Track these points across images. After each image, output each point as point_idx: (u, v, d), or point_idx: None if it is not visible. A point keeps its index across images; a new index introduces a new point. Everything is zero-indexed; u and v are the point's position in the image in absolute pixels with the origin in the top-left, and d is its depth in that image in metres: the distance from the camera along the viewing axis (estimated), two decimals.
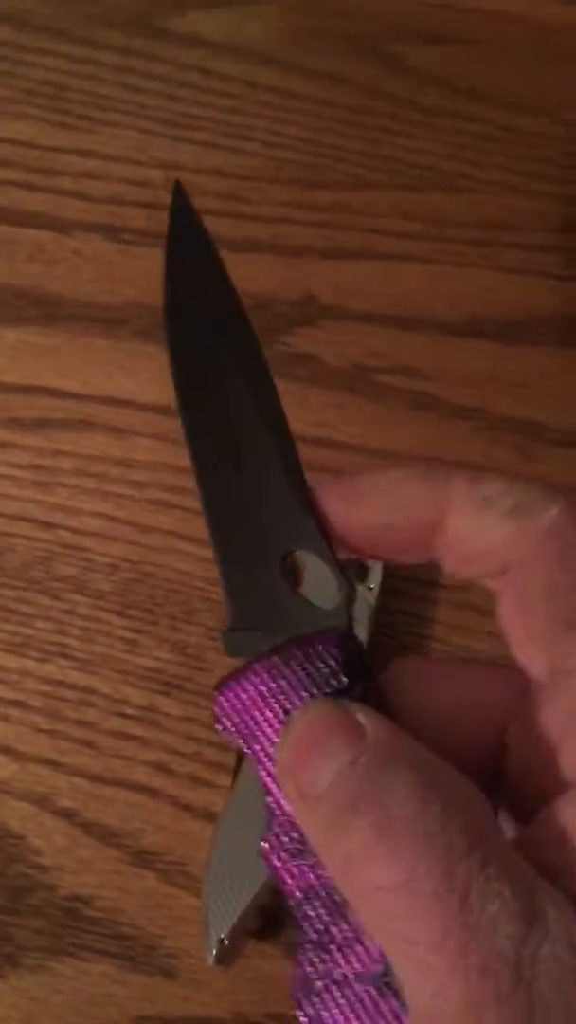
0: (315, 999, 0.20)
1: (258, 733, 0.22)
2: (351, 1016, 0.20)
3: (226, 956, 0.31)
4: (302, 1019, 0.20)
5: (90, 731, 0.35)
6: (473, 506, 0.23)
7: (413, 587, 0.37)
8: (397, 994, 0.19)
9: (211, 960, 0.31)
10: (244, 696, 0.22)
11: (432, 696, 0.23)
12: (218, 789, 0.34)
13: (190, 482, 0.38)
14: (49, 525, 0.38)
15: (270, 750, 0.21)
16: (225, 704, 0.22)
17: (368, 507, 0.23)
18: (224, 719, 0.22)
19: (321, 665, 0.21)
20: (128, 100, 0.46)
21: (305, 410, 0.41)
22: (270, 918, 0.32)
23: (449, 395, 0.41)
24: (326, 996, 0.20)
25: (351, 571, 0.35)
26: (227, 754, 0.34)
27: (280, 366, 0.41)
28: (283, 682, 0.21)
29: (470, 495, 0.23)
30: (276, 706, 0.21)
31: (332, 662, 0.21)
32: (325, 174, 0.45)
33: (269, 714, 0.21)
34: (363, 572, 0.35)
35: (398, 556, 0.23)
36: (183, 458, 0.39)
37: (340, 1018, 0.20)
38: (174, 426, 0.40)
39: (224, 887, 0.31)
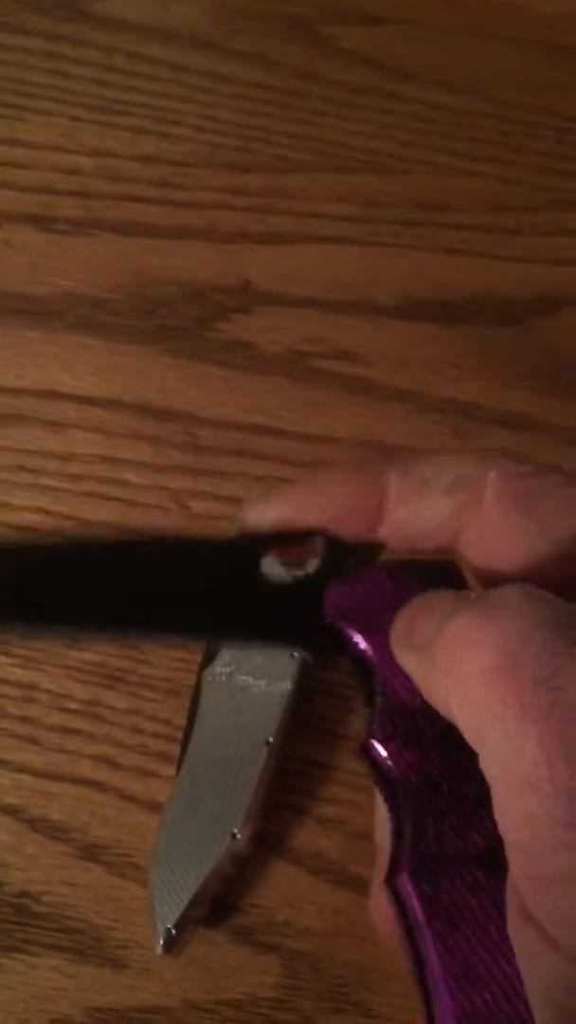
0: (432, 879, 0.22)
1: (375, 622, 0.23)
2: (466, 893, 0.21)
3: (174, 945, 0.31)
4: (413, 897, 0.22)
5: (33, 727, 0.35)
6: (412, 491, 0.25)
7: None
8: (504, 871, 0.20)
9: (159, 950, 0.31)
10: (361, 591, 0.24)
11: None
12: (164, 780, 0.34)
13: (129, 475, 0.38)
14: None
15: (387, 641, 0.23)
16: (343, 595, 0.24)
17: (312, 512, 0.26)
18: (342, 611, 0.24)
19: (432, 577, 0.24)
20: (56, 86, 0.46)
21: (242, 396, 0.40)
22: (217, 906, 0.33)
23: (386, 378, 0.41)
24: (442, 876, 0.22)
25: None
26: (172, 744, 0.35)
27: (216, 353, 0.41)
28: (401, 584, 0.24)
29: (408, 481, 0.25)
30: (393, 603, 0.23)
31: (444, 575, 0.24)
32: (258, 158, 0.45)
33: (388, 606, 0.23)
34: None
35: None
36: (121, 450, 0.39)
37: (456, 895, 0.21)
38: (111, 419, 0.40)
39: (170, 876, 0.31)
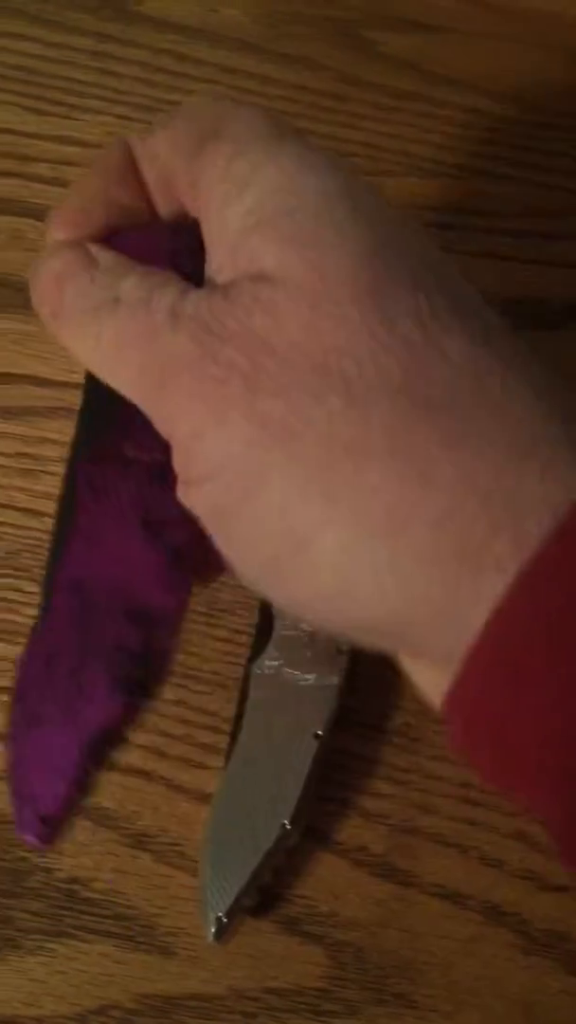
0: (100, 467, 0.26)
1: None
2: (119, 482, 0.26)
3: (224, 933, 0.32)
4: (81, 477, 0.26)
5: None
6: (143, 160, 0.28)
7: None
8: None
9: (210, 938, 0.32)
10: (139, 246, 0.27)
11: None
12: (211, 771, 0.35)
13: None
14: (36, 513, 0.39)
15: None
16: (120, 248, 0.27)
17: (95, 223, 0.28)
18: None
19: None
20: (104, 85, 0.46)
21: None
22: (265, 896, 0.33)
23: None
24: (108, 467, 0.26)
25: None
26: (219, 736, 0.35)
27: None
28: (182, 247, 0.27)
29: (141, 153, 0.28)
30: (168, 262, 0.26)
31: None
32: None
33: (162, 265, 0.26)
34: None
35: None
36: None
37: (110, 482, 0.26)
38: None
39: (221, 866, 0.32)
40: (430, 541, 0.21)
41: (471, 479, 0.21)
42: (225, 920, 0.32)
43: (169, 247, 0.27)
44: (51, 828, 0.25)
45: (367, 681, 0.36)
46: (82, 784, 0.25)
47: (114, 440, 0.26)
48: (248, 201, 0.24)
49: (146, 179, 0.28)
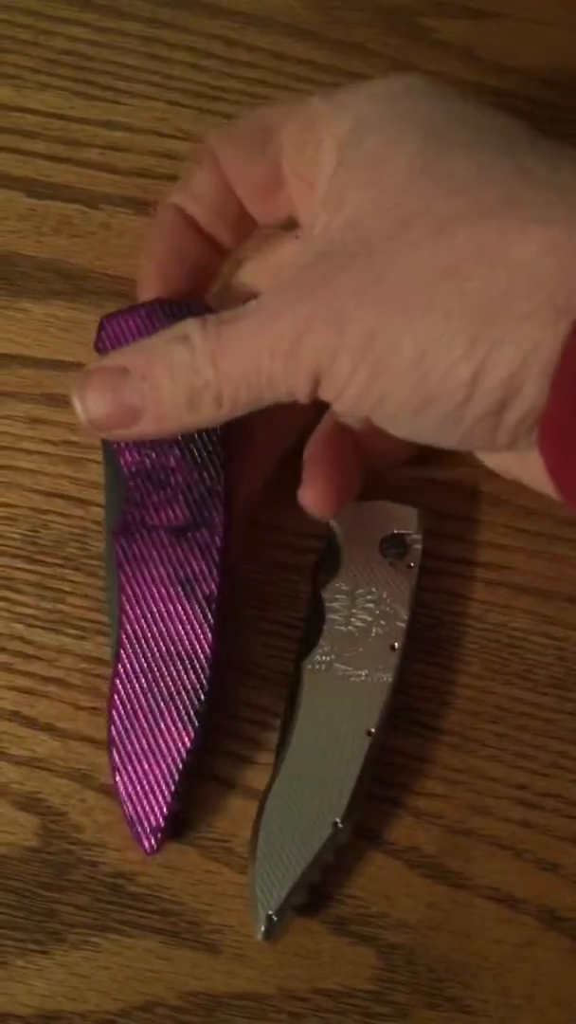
0: (128, 536, 0.32)
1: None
2: (151, 548, 0.32)
3: (274, 932, 0.31)
4: (118, 549, 0.32)
5: None
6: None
7: (450, 566, 0.37)
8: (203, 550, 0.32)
9: (259, 936, 0.31)
10: (126, 327, 0.33)
11: None
12: (259, 767, 0.34)
13: None
14: (83, 502, 0.38)
15: None
16: (109, 330, 0.34)
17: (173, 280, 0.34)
18: (105, 341, 0.34)
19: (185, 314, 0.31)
20: (153, 70, 0.46)
21: None
22: (316, 895, 0.32)
23: None
24: (137, 534, 0.32)
25: (390, 551, 0.35)
26: (267, 732, 0.34)
27: None
28: (158, 324, 0.33)
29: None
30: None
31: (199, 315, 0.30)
32: None
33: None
34: (402, 550, 0.35)
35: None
36: None
37: (144, 548, 0.32)
38: None
39: (272, 864, 0.31)
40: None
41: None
42: (275, 919, 0.31)
43: (150, 324, 0.33)
44: (159, 838, 0.31)
45: (419, 679, 0.36)
46: (175, 801, 0.31)
47: (134, 511, 0.32)
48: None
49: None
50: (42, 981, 0.32)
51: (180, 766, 0.31)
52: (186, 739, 0.31)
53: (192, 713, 0.31)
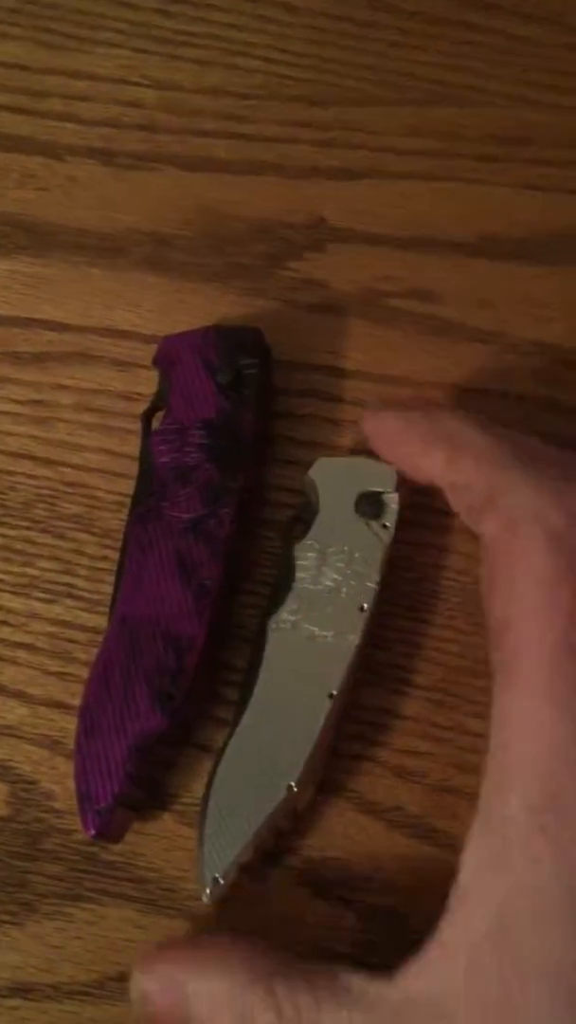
0: (143, 522, 0.33)
1: (178, 366, 0.35)
2: (160, 536, 0.33)
3: (220, 894, 0.30)
4: (131, 535, 0.33)
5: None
6: (447, 491, 0.31)
7: (432, 517, 0.36)
8: (207, 537, 0.33)
9: (205, 899, 0.30)
10: (181, 344, 0.36)
11: None
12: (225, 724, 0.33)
13: None
14: (51, 462, 0.37)
15: (183, 376, 0.35)
16: (165, 347, 0.36)
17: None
18: (160, 356, 0.36)
19: (238, 336, 0.36)
20: (119, 17, 0.44)
21: (315, 337, 0.39)
22: (268, 859, 0.31)
23: (465, 319, 0.39)
24: (149, 522, 0.33)
25: (365, 509, 0.33)
26: (231, 689, 0.33)
27: (287, 292, 0.39)
28: (210, 343, 0.35)
29: (443, 480, 0.31)
30: (198, 355, 0.35)
31: (250, 339, 0.36)
32: (330, 91, 0.43)
33: (191, 357, 0.35)
34: (378, 508, 0.33)
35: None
36: None
37: (153, 536, 0.33)
38: None
39: (222, 826, 0.30)
40: None
41: None
42: (221, 881, 0.29)
43: (201, 345, 0.35)
44: (105, 820, 0.30)
45: (402, 635, 0.34)
46: (130, 785, 0.30)
47: (155, 503, 0.33)
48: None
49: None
50: (14, 953, 0.31)
51: (141, 749, 0.30)
52: (153, 723, 0.30)
53: (164, 697, 0.30)
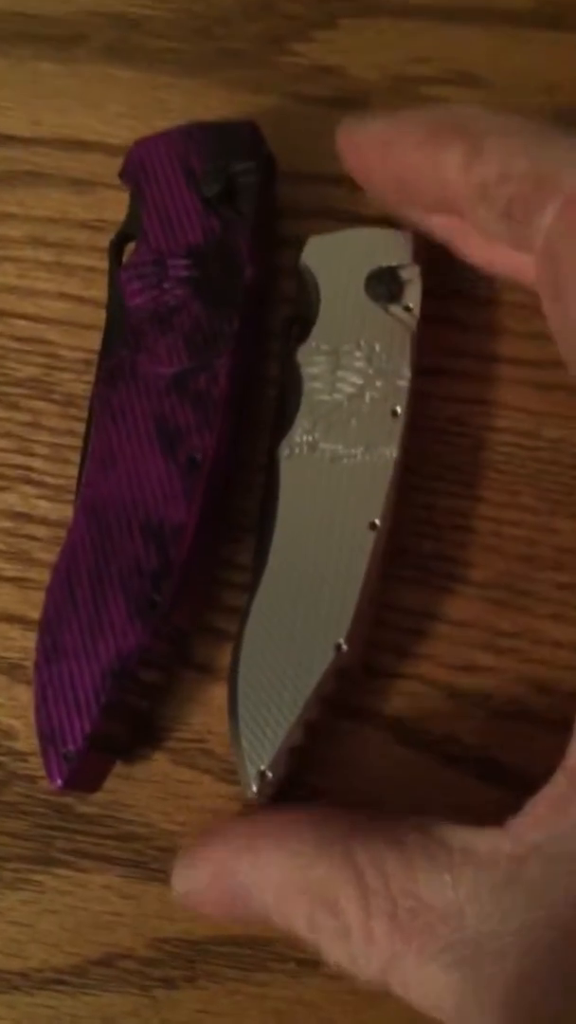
0: (112, 383, 0.26)
1: (152, 179, 0.28)
2: (133, 398, 0.26)
3: (267, 789, 0.24)
4: (95, 399, 0.26)
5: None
6: (471, 199, 0.23)
7: (478, 365, 0.28)
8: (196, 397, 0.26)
9: (250, 794, 0.24)
10: (155, 150, 0.28)
11: None
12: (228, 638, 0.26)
13: None
14: None
15: (159, 191, 0.28)
16: (136, 155, 0.28)
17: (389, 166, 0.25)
18: (129, 167, 0.28)
19: (228, 135, 0.28)
20: None
21: (330, 140, 0.30)
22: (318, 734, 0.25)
23: (523, 109, 0.31)
24: (119, 381, 0.26)
25: (379, 290, 0.26)
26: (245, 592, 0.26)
27: (293, 84, 0.31)
28: (193, 145, 0.28)
29: (465, 183, 0.23)
30: (177, 161, 0.28)
31: (244, 138, 0.28)
32: None
33: (168, 164, 0.28)
34: (395, 287, 0.26)
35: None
36: None
37: (124, 399, 0.26)
38: None
39: (259, 706, 0.24)
40: None
41: None
42: (269, 774, 0.23)
43: (181, 148, 0.28)
44: (75, 766, 0.23)
45: (449, 518, 0.27)
46: (104, 720, 0.24)
47: (129, 356, 0.26)
48: None
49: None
50: None
51: (118, 674, 0.24)
52: (132, 639, 0.24)
53: (146, 605, 0.24)
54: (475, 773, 0.25)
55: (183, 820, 0.25)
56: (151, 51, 0.32)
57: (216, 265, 0.27)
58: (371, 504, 0.25)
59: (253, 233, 0.27)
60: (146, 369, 0.26)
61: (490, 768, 0.25)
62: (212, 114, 0.31)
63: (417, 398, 0.26)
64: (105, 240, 0.29)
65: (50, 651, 0.24)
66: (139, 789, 0.26)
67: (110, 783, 0.25)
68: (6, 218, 0.30)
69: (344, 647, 0.24)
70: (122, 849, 0.25)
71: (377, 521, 0.25)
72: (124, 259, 0.28)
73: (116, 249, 0.28)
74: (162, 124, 0.30)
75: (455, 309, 0.29)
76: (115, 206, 0.30)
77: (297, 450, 0.25)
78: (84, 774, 0.24)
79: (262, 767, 0.23)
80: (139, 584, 0.24)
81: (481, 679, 0.26)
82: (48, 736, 0.23)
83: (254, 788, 0.23)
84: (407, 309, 0.26)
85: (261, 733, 0.24)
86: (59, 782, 0.23)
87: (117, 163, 0.29)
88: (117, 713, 0.24)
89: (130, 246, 0.28)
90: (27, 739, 0.26)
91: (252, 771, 0.23)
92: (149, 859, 0.25)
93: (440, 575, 0.27)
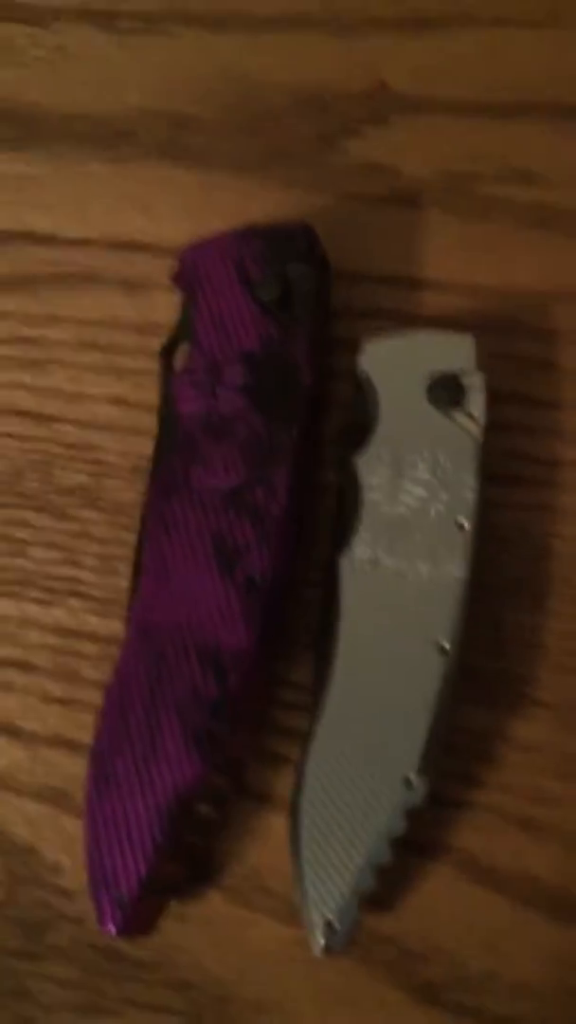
0: (168, 500, 0.25)
1: (206, 283, 0.27)
2: (191, 515, 0.25)
3: (337, 941, 0.22)
4: (149, 512, 0.25)
5: None
6: None
7: (539, 469, 0.27)
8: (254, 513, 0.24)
9: (317, 950, 0.22)
10: (209, 253, 0.27)
11: None
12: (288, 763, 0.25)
13: None
14: (45, 419, 0.29)
15: (213, 296, 0.27)
16: (189, 259, 0.28)
17: None
18: (183, 271, 0.28)
19: (283, 238, 0.27)
20: None
21: (383, 240, 0.30)
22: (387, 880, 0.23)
23: None
24: (175, 497, 0.25)
25: (441, 396, 0.25)
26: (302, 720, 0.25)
27: (344, 181, 0.31)
28: (247, 249, 0.27)
29: None
30: (232, 265, 0.27)
31: (300, 241, 0.27)
32: None
33: (223, 268, 0.27)
34: (458, 393, 0.25)
35: None
36: None
37: (180, 515, 0.25)
38: None
39: (324, 848, 0.22)
40: None
41: None
42: (337, 926, 0.22)
43: (236, 252, 0.27)
44: (129, 913, 0.22)
45: (517, 632, 0.25)
46: (161, 861, 0.22)
47: (182, 466, 0.25)
48: None
49: None
50: None
51: (172, 809, 0.22)
52: (187, 769, 0.22)
53: (203, 735, 0.23)
54: (554, 914, 0.24)
55: (241, 967, 0.24)
56: (200, 149, 0.31)
57: (273, 372, 0.26)
58: (438, 625, 0.24)
59: (310, 338, 0.26)
60: (201, 482, 0.25)
61: (569, 907, 0.24)
62: (263, 213, 0.31)
63: (480, 507, 0.25)
64: (156, 343, 0.28)
65: (102, 783, 0.23)
66: (194, 931, 0.24)
67: (163, 924, 0.24)
68: (55, 321, 0.30)
69: (415, 781, 0.22)
70: (177, 999, 0.24)
71: (446, 645, 0.23)
72: (177, 365, 0.27)
73: (167, 354, 0.28)
74: (213, 223, 0.30)
75: (518, 412, 0.28)
76: (165, 308, 0.29)
77: (359, 565, 0.24)
78: (138, 919, 0.22)
79: (329, 916, 0.22)
80: (196, 713, 0.23)
81: (554, 809, 0.24)
82: (100, 880, 0.22)
83: (322, 942, 0.22)
84: (470, 416, 0.26)
85: (327, 877, 0.22)
86: (112, 929, 0.22)
87: (167, 263, 0.29)
88: (173, 852, 0.22)
89: (182, 351, 0.28)
90: (74, 876, 0.25)
91: (319, 920, 0.22)
92: (204, 1008, 0.24)
93: (506, 694, 0.25)
